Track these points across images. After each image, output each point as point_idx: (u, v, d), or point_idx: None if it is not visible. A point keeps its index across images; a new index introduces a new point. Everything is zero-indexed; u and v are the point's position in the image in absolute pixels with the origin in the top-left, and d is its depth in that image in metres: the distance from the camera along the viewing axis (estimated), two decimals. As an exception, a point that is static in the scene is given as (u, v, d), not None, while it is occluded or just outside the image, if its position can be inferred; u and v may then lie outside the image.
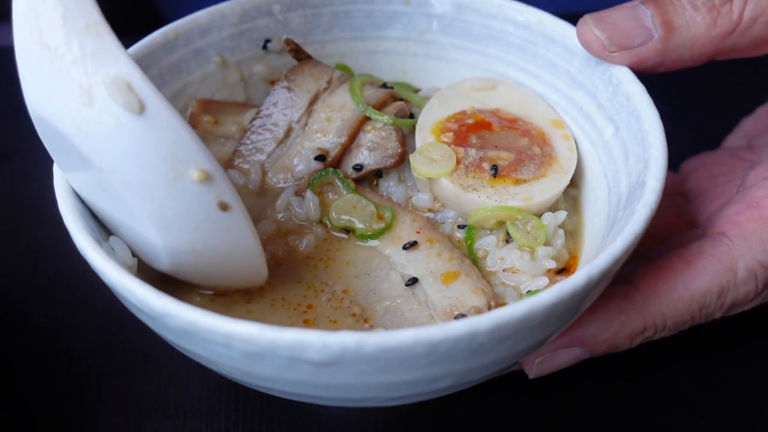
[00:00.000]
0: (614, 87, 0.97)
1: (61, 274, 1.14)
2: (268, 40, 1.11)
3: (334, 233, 0.98)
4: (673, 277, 0.90)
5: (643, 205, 0.82)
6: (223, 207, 0.81)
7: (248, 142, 1.04)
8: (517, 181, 0.97)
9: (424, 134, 1.01)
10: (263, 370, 0.75)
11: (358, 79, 1.06)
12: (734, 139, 1.16)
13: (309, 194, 0.98)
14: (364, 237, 0.96)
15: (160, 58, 1.04)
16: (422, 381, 0.77)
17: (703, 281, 0.89)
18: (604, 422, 1.01)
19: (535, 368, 0.93)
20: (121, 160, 0.78)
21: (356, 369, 0.73)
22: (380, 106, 1.03)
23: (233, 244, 0.84)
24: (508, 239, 0.97)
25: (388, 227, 0.96)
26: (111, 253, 0.84)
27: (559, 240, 0.96)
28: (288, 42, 1.09)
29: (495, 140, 1.01)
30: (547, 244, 0.95)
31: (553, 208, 0.99)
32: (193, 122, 1.07)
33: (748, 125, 1.16)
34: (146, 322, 0.80)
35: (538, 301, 0.73)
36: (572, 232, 1.00)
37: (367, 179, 1.03)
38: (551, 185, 0.98)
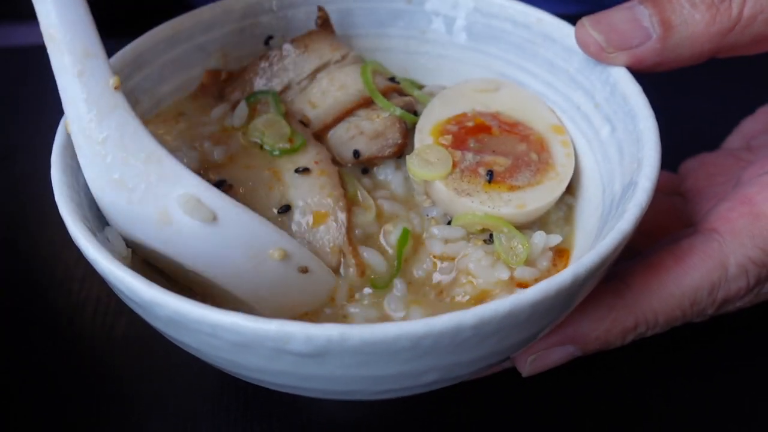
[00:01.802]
0: (612, 87, 0.97)
1: (60, 273, 1.15)
2: (270, 37, 1.12)
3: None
4: (665, 273, 0.90)
5: (634, 204, 0.82)
6: (304, 270, 0.89)
7: (246, 79, 1.05)
8: (512, 188, 0.97)
9: (423, 135, 1.01)
10: (250, 360, 0.76)
11: (371, 64, 1.06)
12: (734, 140, 1.16)
13: (242, 105, 1.01)
14: (271, 152, 0.98)
15: (163, 52, 1.05)
16: (408, 375, 0.77)
17: (693, 278, 0.89)
18: (598, 420, 1.01)
19: (528, 366, 0.93)
20: (207, 261, 0.86)
21: (340, 361, 0.73)
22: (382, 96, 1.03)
23: (315, 293, 0.92)
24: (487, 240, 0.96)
25: (293, 150, 0.98)
26: (105, 243, 0.85)
27: (545, 261, 0.95)
28: (320, 9, 1.09)
29: (493, 144, 1.01)
30: (529, 264, 0.94)
31: (547, 217, 0.99)
32: (203, 92, 1.09)
33: (748, 126, 1.15)
34: (137, 311, 0.81)
35: (524, 298, 0.74)
36: (565, 240, 0.99)
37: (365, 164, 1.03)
38: (546, 193, 0.97)
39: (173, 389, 1.03)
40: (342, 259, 0.93)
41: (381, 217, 0.97)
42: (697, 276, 0.90)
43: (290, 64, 1.05)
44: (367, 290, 0.93)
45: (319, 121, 1.02)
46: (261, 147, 0.99)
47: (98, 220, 0.88)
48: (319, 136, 1.03)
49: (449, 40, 1.13)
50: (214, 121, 1.03)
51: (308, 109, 1.03)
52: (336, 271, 0.92)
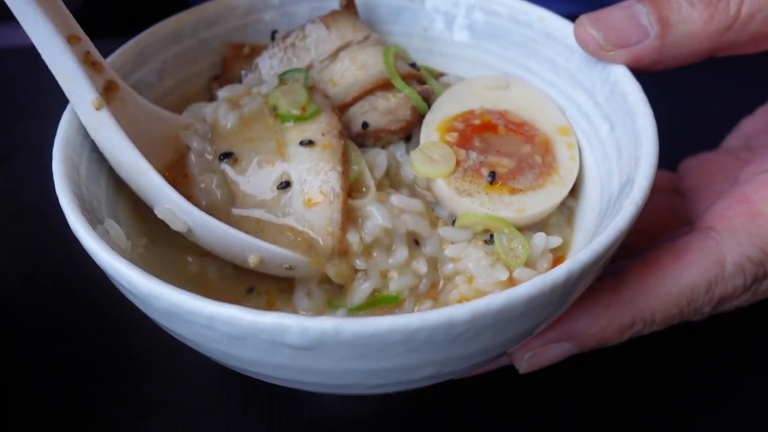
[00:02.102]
0: (611, 85, 0.98)
1: (61, 274, 1.15)
2: (275, 31, 1.13)
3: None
4: (661, 271, 0.90)
5: (630, 202, 0.83)
6: (290, 268, 0.92)
7: (268, 58, 1.06)
8: (513, 191, 0.97)
9: (429, 130, 1.02)
10: (246, 353, 0.77)
11: (394, 47, 1.07)
12: (733, 139, 1.16)
13: (273, 76, 1.02)
14: (283, 118, 0.97)
15: (167, 47, 1.06)
16: (403, 369, 0.78)
17: (690, 275, 0.89)
18: (595, 417, 1.01)
19: (525, 363, 0.93)
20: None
21: (335, 354, 0.74)
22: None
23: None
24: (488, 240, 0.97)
25: (303, 118, 0.97)
26: (105, 235, 0.86)
27: (545, 263, 0.95)
28: None
29: (498, 144, 1.01)
30: (529, 265, 0.94)
31: (547, 219, 0.99)
32: (227, 67, 1.10)
33: (747, 126, 1.16)
34: (136, 303, 0.82)
35: (517, 293, 0.74)
36: (563, 245, 0.99)
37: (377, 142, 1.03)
38: (547, 198, 0.98)
39: (173, 389, 1.03)
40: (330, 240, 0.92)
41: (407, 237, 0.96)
42: (694, 274, 0.90)
43: (312, 44, 1.05)
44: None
45: (339, 99, 1.03)
46: (276, 116, 0.97)
47: (98, 213, 0.89)
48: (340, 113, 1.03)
49: (451, 38, 1.13)
50: (242, 86, 1.03)
51: (329, 87, 1.04)
52: (328, 253, 0.92)
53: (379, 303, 0.93)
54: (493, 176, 0.97)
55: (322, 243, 0.91)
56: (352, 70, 1.04)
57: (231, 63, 1.10)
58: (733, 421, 1.00)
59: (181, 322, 0.76)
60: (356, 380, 0.80)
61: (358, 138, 1.01)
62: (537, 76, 1.08)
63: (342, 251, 0.92)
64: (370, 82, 1.03)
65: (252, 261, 0.91)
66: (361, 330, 0.71)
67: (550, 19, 1.06)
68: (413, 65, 1.08)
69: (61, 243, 0.96)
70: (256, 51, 1.09)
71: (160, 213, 0.91)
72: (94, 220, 0.85)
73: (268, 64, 1.06)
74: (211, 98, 1.08)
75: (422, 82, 1.07)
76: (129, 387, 1.03)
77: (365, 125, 1.01)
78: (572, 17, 1.03)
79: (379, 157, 0.99)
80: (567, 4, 1.34)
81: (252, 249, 0.90)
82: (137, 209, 0.96)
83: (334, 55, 1.05)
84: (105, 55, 0.99)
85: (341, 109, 1.03)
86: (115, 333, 1.09)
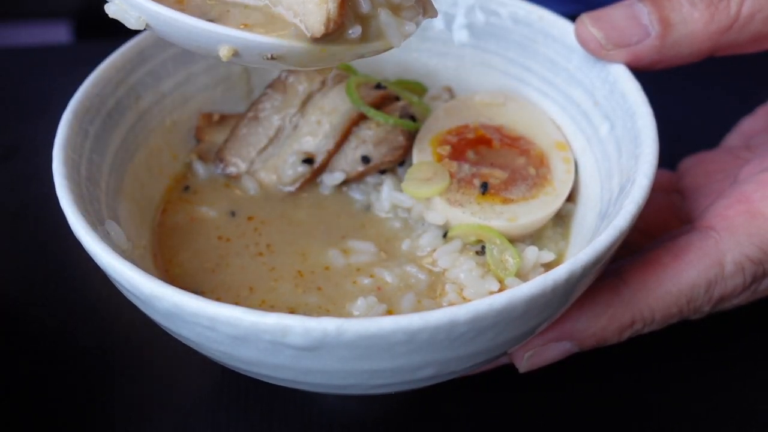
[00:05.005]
0: (611, 85, 0.98)
1: (61, 274, 1.15)
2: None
3: None
4: (661, 270, 0.90)
5: (630, 201, 0.83)
6: (274, 58, 0.80)
7: (240, 134, 1.06)
8: (505, 201, 0.97)
9: (422, 144, 1.02)
10: (247, 354, 0.77)
11: (353, 80, 1.05)
12: (733, 139, 1.16)
13: None
14: None
15: (166, 47, 1.06)
16: (404, 369, 0.78)
17: (690, 275, 0.90)
18: (595, 416, 1.01)
19: (525, 362, 0.93)
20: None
21: (337, 355, 0.74)
22: (375, 107, 1.04)
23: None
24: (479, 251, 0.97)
25: None
26: (106, 236, 0.86)
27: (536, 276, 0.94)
28: None
29: (491, 157, 1.01)
30: (520, 278, 0.94)
31: (542, 232, 0.99)
32: (199, 135, 1.10)
33: (747, 125, 1.16)
34: (137, 304, 0.82)
35: (519, 293, 0.74)
36: (556, 260, 0.99)
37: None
38: (539, 208, 0.98)
39: (173, 389, 1.03)
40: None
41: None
42: (694, 273, 0.90)
43: (275, 110, 1.05)
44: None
45: (325, 148, 1.03)
46: None
47: (99, 214, 0.89)
48: (327, 164, 1.04)
49: (450, 38, 1.14)
50: None
51: (308, 141, 1.04)
52: (319, 31, 0.77)
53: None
54: (485, 187, 0.98)
55: (311, 18, 0.77)
56: (324, 119, 1.04)
57: (202, 131, 1.10)
58: (732, 420, 1.00)
59: (183, 323, 0.76)
60: (357, 380, 0.80)
61: (361, 176, 1.03)
62: (536, 76, 1.09)
63: (336, 30, 0.78)
64: (348, 120, 1.03)
65: (223, 53, 0.78)
66: (363, 330, 0.71)
67: (550, 19, 1.06)
68: (379, 85, 1.07)
69: (61, 243, 0.96)
70: (226, 118, 1.10)
71: (110, 11, 0.80)
72: (94, 221, 0.85)
73: (245, 134, 1.06)
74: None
75: (397, 97, 1.07)
76: (129, 387, 1.03)
77: (366, 159, 1.02)
78: (572, 17, 1.03)
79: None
80: (566, 4, 1.35)
81: (220, 39, 0.78)
82: (138, 210, 0.96)
83: (300, 112, 1.05)
84: (105, 56, 0.99)
85: (331, 154, 1.03)
86: (115, 333, 1.08)
